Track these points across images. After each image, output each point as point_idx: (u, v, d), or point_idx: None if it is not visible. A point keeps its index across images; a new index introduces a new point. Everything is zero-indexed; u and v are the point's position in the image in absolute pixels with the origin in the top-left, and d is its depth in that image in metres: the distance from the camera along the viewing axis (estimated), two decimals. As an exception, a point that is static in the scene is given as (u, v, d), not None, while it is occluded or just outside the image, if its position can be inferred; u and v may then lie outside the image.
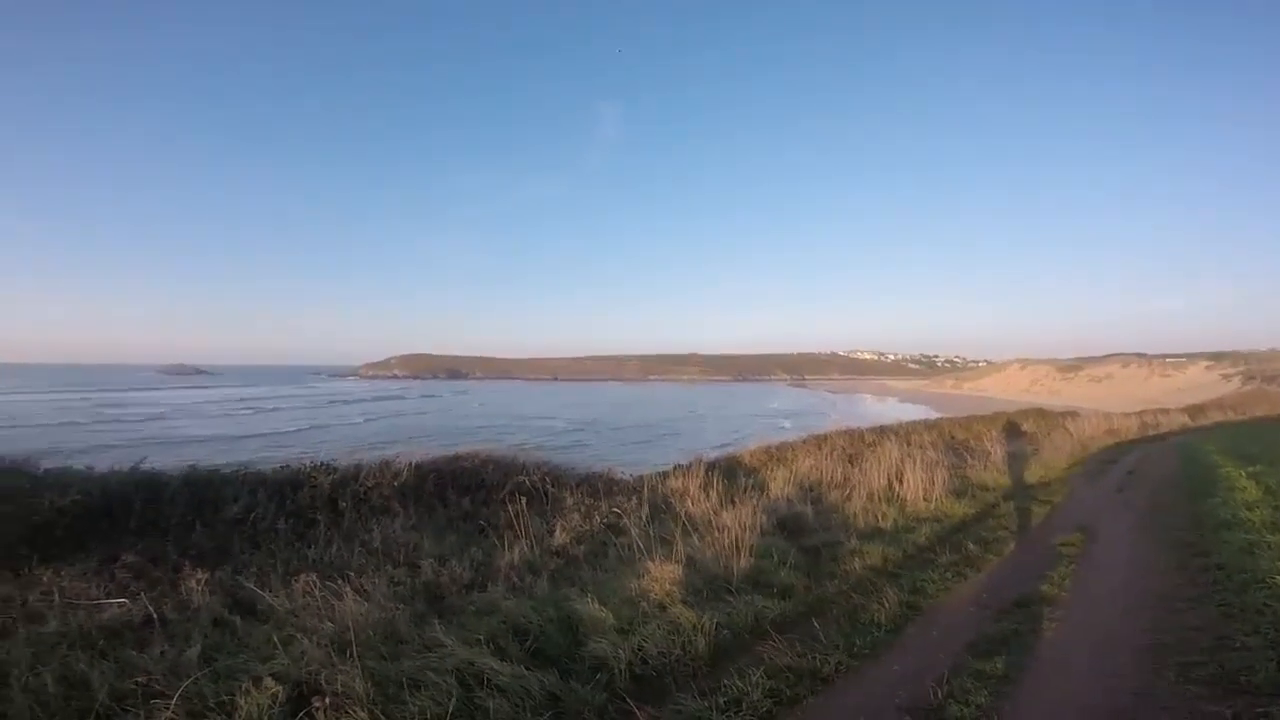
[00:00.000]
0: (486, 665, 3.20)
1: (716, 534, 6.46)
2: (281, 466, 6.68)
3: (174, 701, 2.72)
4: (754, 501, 7.83)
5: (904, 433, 17.21)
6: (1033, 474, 13.25)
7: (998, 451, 14.33)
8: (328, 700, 2.67)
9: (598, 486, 9.04)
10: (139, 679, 2.96)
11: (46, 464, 5.75)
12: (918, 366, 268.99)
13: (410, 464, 7.20)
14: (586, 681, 3.37)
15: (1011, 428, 20.77)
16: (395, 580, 4.86)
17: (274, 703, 2.69)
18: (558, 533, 6.74)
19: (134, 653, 3.35)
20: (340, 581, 4.27)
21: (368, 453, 7.67)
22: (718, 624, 4.17)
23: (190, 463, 6.23)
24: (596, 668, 3.56)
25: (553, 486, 8.23)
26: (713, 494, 8.62)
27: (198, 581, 4.27)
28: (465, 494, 7.73)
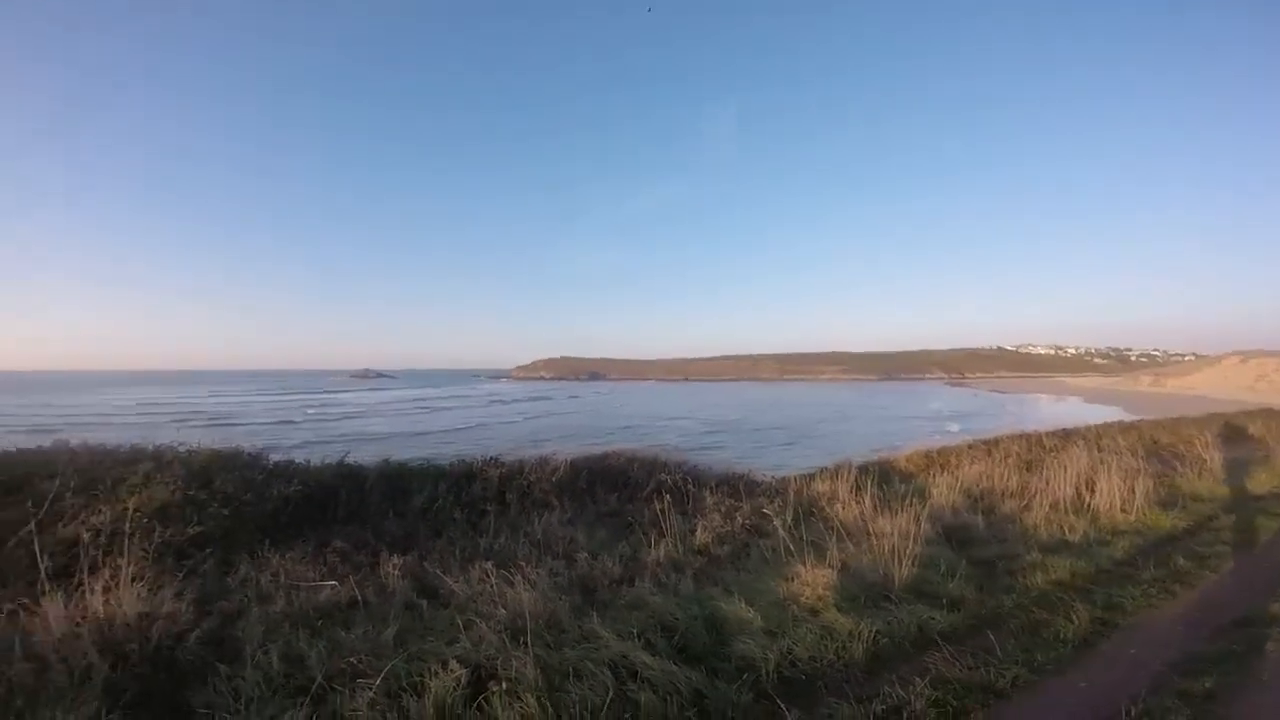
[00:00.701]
0: (639, 659, 3.32)
1: (873, 540, 6.18)
2: (457, 460, 7.39)
3: (376, 683, 2.96)
4: (914, 509, 7.36)
5: (1093, 436, 15.10)
6: (1260, 483, 11.06)
7: (1214, 458, 12.12)
8: (504, 685, 2.88)
9: (738, 487, 8.98)
10: (349, 659, 3.26)
11: (275, 458, 6.86)
12: (1105, 361, 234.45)
13: (566, 461, 7.65)
14: (732, 680, 3.39)
15: (1232, 431, 17.50)
16: (554, 572, 5.16)
17: (457, 685, 2.90)
18: (699, 532, 6.79)
19: (342, 633, 3.71)
20: (510, 570, 4.63)
21: (526, 449, 8.29)
22: (876, 631, 4.03)
23: (383, 457, 7.10)
24: (743, 667, 3.57)
25: (693, 486, 8.32)
26: (866, 499, 8.22)
27: (394, 567, 4.78)
28: (613, 491, 8.08)
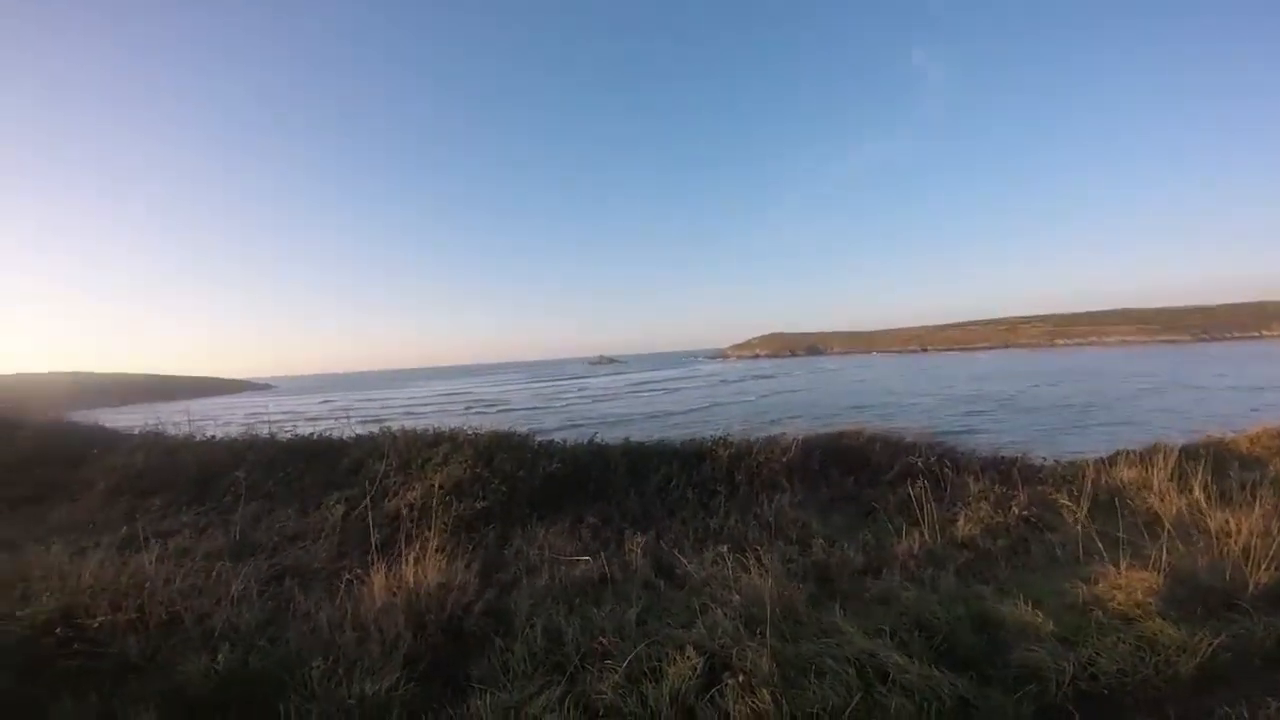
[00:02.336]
0: (890, 659, 2.99)
1: (1212, 539, 4.86)
2: (688, 440, 7.60)
3: (622, 667, 2.98)
4: (1271, 502, 5.60)
5: None
6: None
7: None
8: (740, 679, 2.77)
9: (1010, 473, 7.75)
10: (599, 639, 3.35)
11: (539, 438, 7.77)
12: None
13: (797, 441, 7.37)
14: (1010, 691, 2.91)
15: None
16: (788, 557, 4.95)
17: (692, 674, 2.84)
18: (961, 522, 6.00)
19: (594, 610, 3.83)
20: (743, 554, 4.55)
21: (759, 429, 8.17)
22: (1216, 645, 3.22)
23: (625, 437, 7.61)
24: (1023, 677, 3.05)
25: (951, 470, 7.38)
26: (1195, 488, 6.50)
27: (636, 545, 5.01)
28: (848, 473, 7.55)
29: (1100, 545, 5.00)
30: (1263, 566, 4.09)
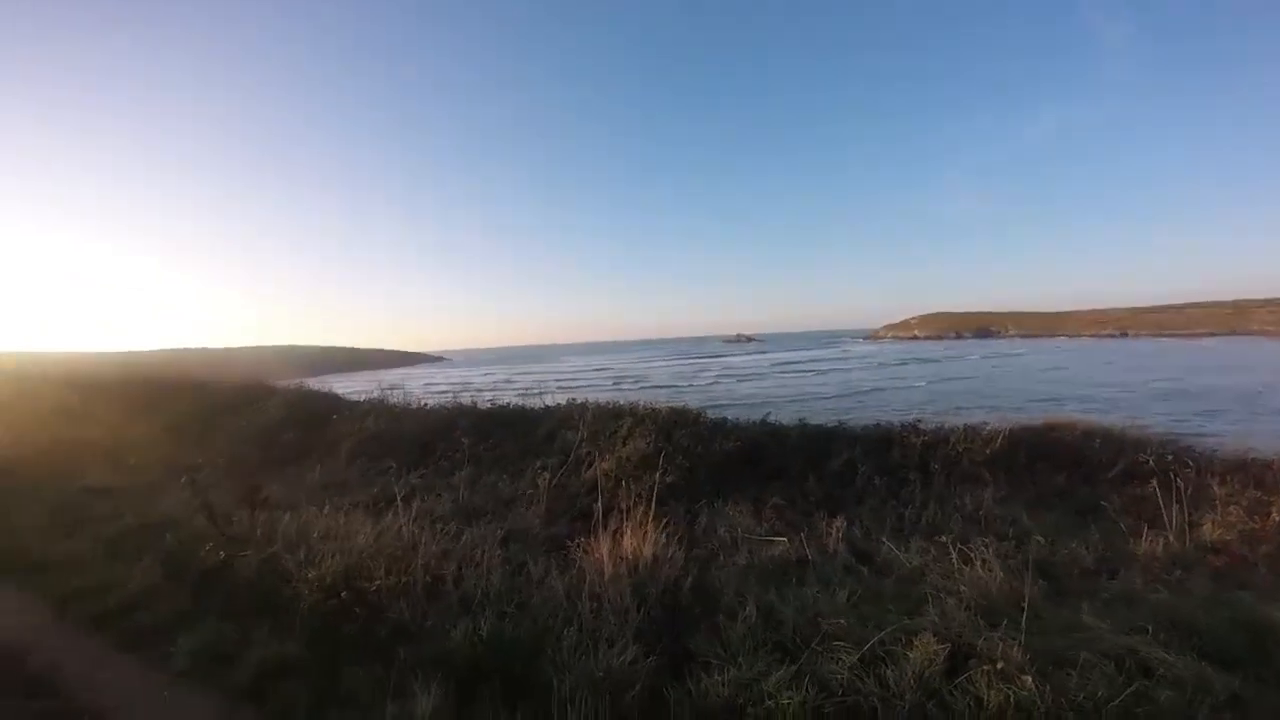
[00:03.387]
0: (1154, 655, 2.81)
1: None
2: (873, 425, 7.35)
3: (863, 650, 2.89)
4: None
5: None
6: None
7: None
8: (997, 666, 2.66)
9: (1264, 478, 6.61)
10: (821, 621, 3.29)
11: (709, 415, 7.93)
12: None
13: (1003, 432, 6.82)
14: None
15: None
16: (1003, 554, 4.63)
17: (934, 660, 2.77)
18: (1209, 526, 5.30)
19: (799, 590, 3.79)
20: (958, 546, 4.33)
21: (945, 417, 7.69)
22: None
23: (800, 417, 7.54)
24: None
25: (1191, 471, 6.42)
26: None
27: (835, 529, 4.95)
28: (1059, 469, 6.87)
29: None
30: None
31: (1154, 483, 6.04)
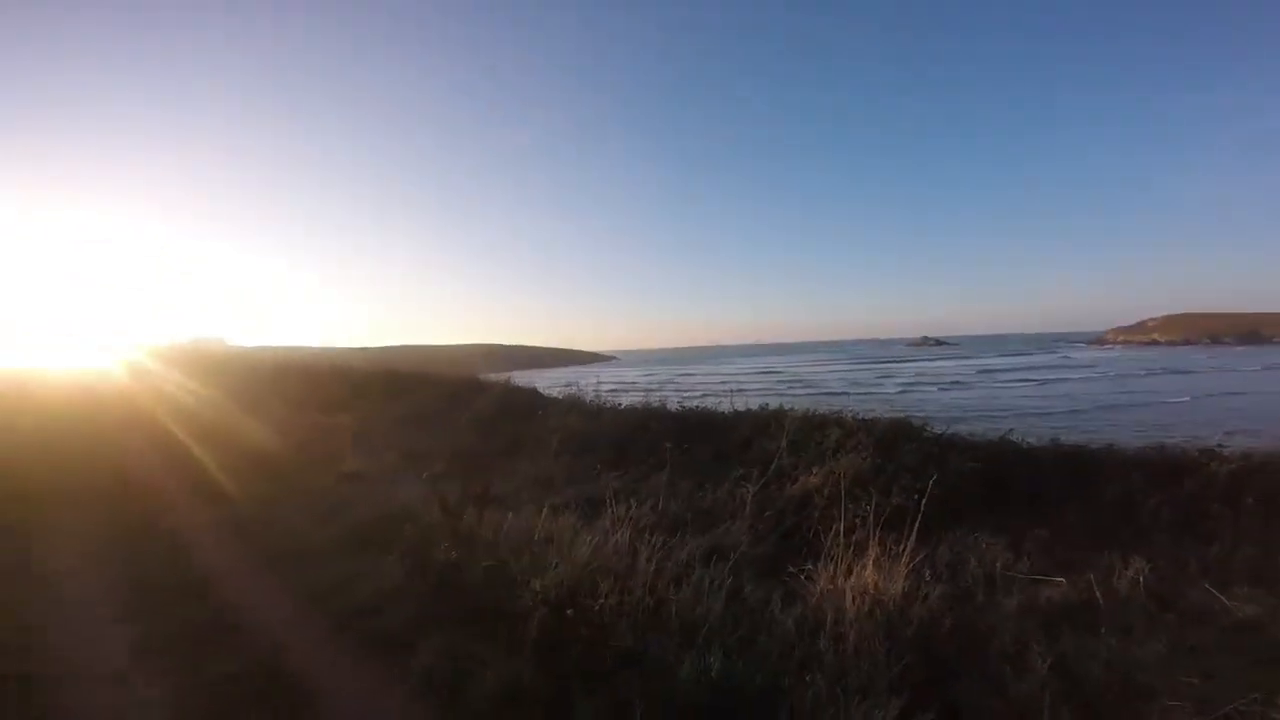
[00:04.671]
0: None
1: None
2: (1152, 446, 6.03)
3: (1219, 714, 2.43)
4: None
5: None
6: None
7: None
8: None
9: None
10: (1133, 673, 2.80)
11: (938, 429, 7.00)
12: None
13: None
14: None
15: None
16: None
17: None
18: None
19: (1090, 639, 3.22)
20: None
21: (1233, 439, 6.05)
22: None
23: (1052, 435, 6.40)
24: None
25: None
26: None
27: (1137, 570, 4.08)
28: None
29: None
30: None
31: None
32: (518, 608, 3.65)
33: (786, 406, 7.81)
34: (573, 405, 11.58)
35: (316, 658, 3.81)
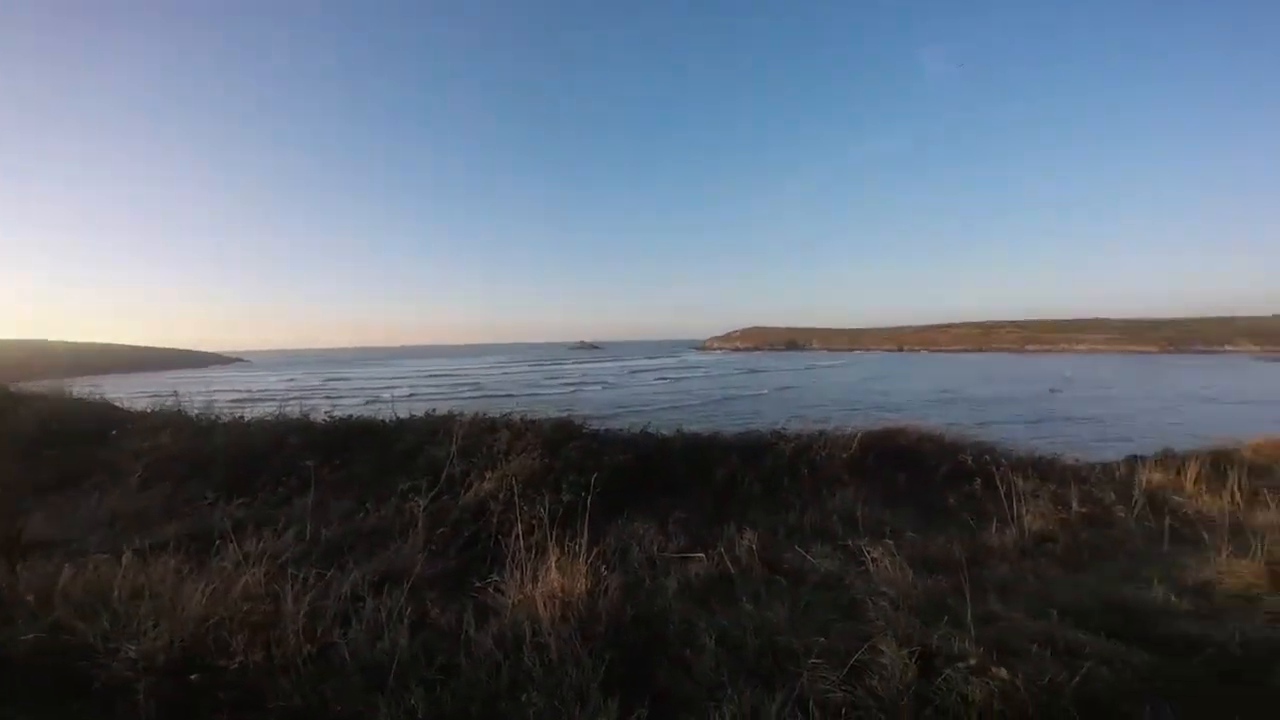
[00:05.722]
0: (1073, 637, 3.14)
1: (1261, 537, 5.23)
2: (745, 432, 7.62)
3: (848, 665, 2.80)
4: None
5: None
6: None
7: None
8: (970, 662, 2.77)
9: (1048, 473, 8.01)
10: (776, 637, 3.16)
11: (594, 426, 7.66)
12: None
13: (856, 437, 7.45)
14: (1186, 660, 3.17)
15: None
16: (889, 553, 4.95)
17: (907, 665, 2.77)
18: (1028, 517, 6.20)
19: (734, 608, 3.63)
20: (849, 544, 4.58)
21: (805, 424, 8.22)
22: None
23: (677, 426, 7.58)
24: (1186, 649, 3.29)
25: (1000, 469, 7.56)
26: (1227, 491, 7.05)
27: (750, 540, 4.86)
28: (900, 469, 7.67)
29: (1166, 539, 5.44)
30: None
31: (978, 481, 7.06)
32: (112, 681, 2.78)
33: (455, 411, 7.49)
34: (168, 421, 9.03)
35: None
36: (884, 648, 2.89)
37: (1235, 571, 4.35)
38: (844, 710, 2.59)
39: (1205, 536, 5.27)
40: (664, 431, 7.50)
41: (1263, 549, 4.56)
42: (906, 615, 3.34)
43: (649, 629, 3.40)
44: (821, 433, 7.92)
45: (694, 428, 8.27)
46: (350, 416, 8.74)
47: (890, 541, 5.20)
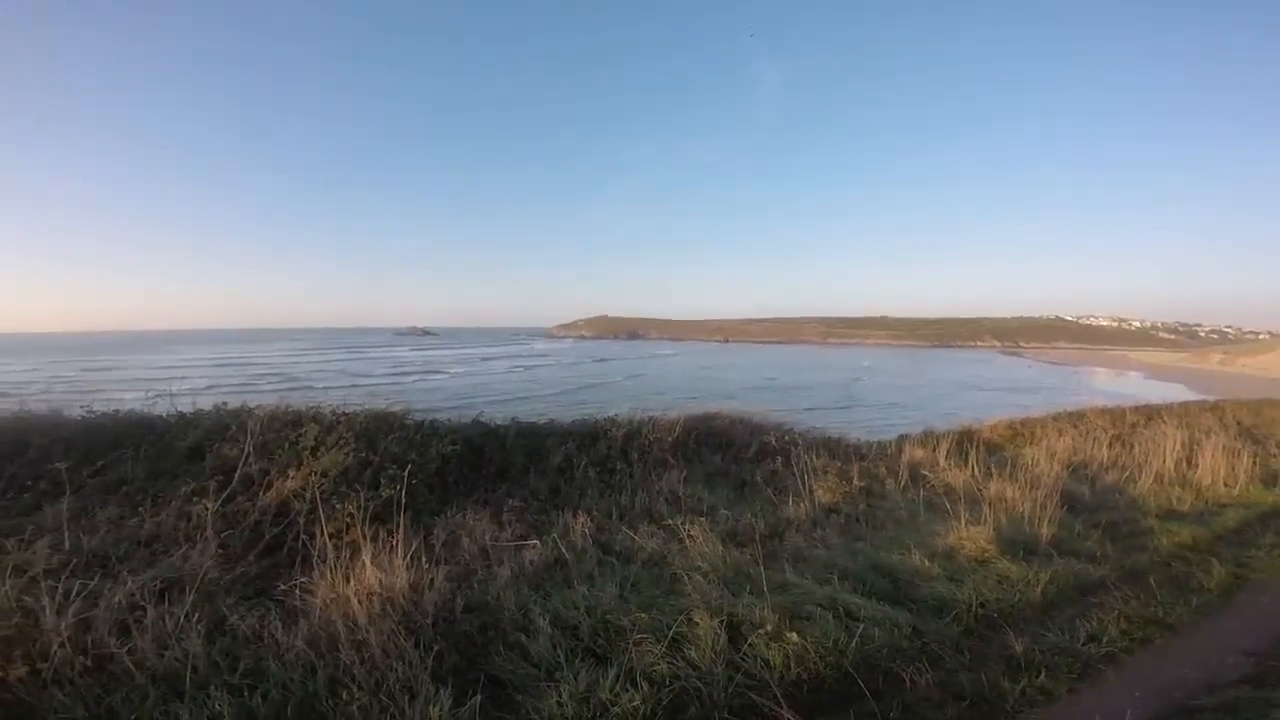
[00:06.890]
0: (851, 601, 3.65)
1: (994, 505, 6.47)
2: (580, 420, 7.78)
3: (667, 638, 3.04)
4: (1026, 475, 7.63)
5: (1180, 414, 15.15)
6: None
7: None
8: (767, 629, 3.11)
9: (836, 450, 9.25)
10: (608, 616, 3.33)
11: (418, 417, 7.26)
12: (1173, 336, 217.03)
13: (679, 421, 7.97)
14: (938, 618, 3.79)
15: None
16: (704, 529, 5.36)
17: (717, 635, 3.05)
18: (818, 492, 7.08)
19: (569, 591, 3.76)
20: (659, 526, 4.93)
21: (642, 410, 8.57)
22: (1045, 579, 4.46)
23: (513, 416, 7.51)
24: (937, 608, 3.96)
25: (798, 448, 8.57)
26: (969, 466, 8.51)
27: (582, 524, 5.07)
28: (716, 451, 8.36)
29: (923, 509, 6.43)
30: (1044, 524, 5.70)
31: (778, 459, 7.97)
32: None
33: (251, 404, 6.67)
34: None
35: None
36: (698, 619, 3.19)
37: (972, 538, 5.30)
38: (668, 680, 2.83)
39: (949, 507, 6.18)
40: (496, 420, 7.37)
41: (993, 517, 5.73)
42: (718, 587, 3.71)
43: (482, 617, 3.44)
44: (650, 418, 8.34)
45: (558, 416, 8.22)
46: (117, 412, 7.38)
47: (704, 519, 5.75)
